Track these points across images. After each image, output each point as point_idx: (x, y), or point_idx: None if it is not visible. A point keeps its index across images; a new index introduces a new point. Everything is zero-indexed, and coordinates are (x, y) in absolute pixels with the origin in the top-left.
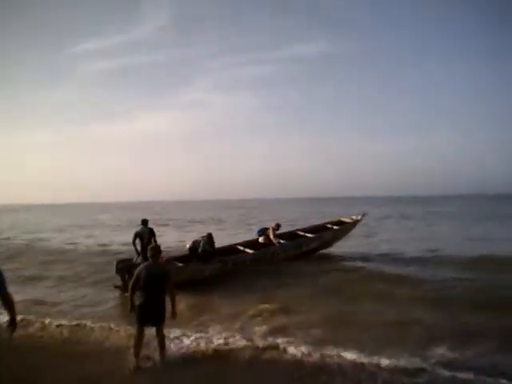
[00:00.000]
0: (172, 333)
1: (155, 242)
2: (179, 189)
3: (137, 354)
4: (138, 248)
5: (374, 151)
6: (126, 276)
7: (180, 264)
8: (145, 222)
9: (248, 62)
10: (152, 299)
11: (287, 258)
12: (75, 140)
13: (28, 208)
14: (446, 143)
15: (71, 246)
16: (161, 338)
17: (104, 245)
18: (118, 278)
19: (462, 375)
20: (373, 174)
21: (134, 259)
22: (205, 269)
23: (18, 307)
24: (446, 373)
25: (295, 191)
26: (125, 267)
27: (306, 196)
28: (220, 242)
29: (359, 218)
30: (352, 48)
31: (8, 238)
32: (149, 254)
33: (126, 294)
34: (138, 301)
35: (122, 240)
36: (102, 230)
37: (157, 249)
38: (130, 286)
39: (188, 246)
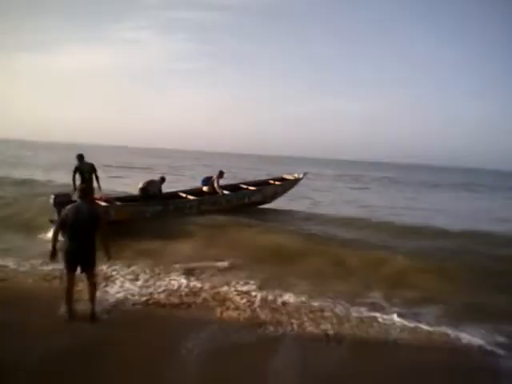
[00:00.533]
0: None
1: (97, 177)
2: (99, 131)
3: (69, 302)
4: (78, 184)
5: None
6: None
7: (120, 203)
8: (81, 157)
9: (186, 5)
10: (80, 242)
11: (229, 208)
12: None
13: None
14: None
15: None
16: (91, 283)
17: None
18: (55, 212)
19: None
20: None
21: (72, 195)
22: (146, 210)
23: None
24: None
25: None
26: (63, 202)
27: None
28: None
29: (301, 176)
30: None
31: None
32: (78, 195)
33: None
34: (65, 245)
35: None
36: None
37: (87, 189)
38: (54, 229)
39: (140, 185)
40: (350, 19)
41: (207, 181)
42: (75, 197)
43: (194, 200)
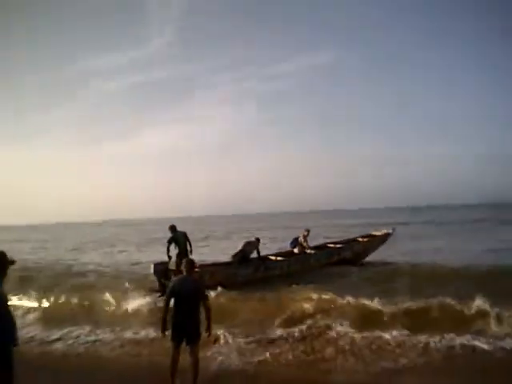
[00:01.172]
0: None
1: (190, 245)
2: (182, 204)
3: (172, 375)
4: (171, 253)
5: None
6: (163, 279)
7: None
8: (174, 228)
9: (251, 77)
10: (186, 315)
11: (318, 266)
12: (88, 158)
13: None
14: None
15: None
16: (194, 359)
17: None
18: (155, 280)
19: None
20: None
21: (169, 263)
22: (238, 274)
23: None
24: None
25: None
26: (162, 270)
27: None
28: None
29: (390, 231)
30: (353, 57)
31: None
32: (184, 268)
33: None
34: (172, 318)
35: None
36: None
37: (191, 262)
38: (164, 302)
39: (239, 247)
40: None
41: (295, 242)
42: (172, 265)
43: (283, 261)
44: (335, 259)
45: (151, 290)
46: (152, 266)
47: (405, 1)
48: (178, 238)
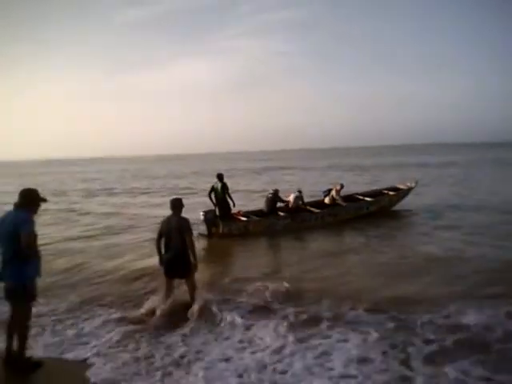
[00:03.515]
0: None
1: (229, 196)
2: (209, 140)
3: (165, 298)
4: (214, 201)
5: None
6: (212, 226)
7: (256, 218)
8: (220, 177)
9: (277, 5)
10: (174, 252)
11: (348, 218)
12: (110, 88)
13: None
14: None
15: None
16: (190, 288)
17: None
18: (204, 227)
19: None
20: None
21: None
22: (277, 223)
23: None
24: None
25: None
26: (211, 217)
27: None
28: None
29: (413, 185)
30: None
31: None
32: (170, 207)
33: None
34: (164, 255)
35: None
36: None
37: (176, 201)
38: (155, 241)
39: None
40: None
41: (328, 192)
42: (217, 212)
43: (318, 213)
44: (364, 212)
45: (200, 235)
46: (202, 213)
47: None
48: (217, 189)
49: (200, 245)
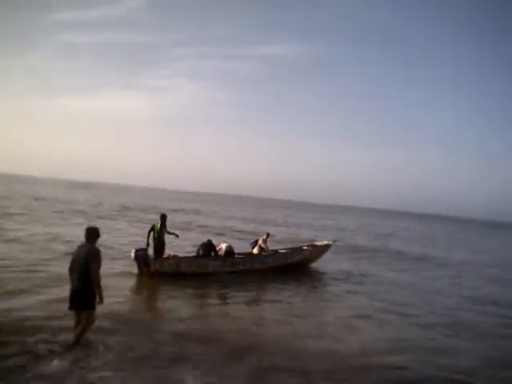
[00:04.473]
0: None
1: (169, 232)
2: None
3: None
4: (150, 241)
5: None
6: (143, 265)
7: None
8: (162, 217)
9: (216, 55)
10: (76, 282)
11: (275, 266)
12: (35, 110)
13: None
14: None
15: None
16: (82, 325)
17: None
18: (135, 265)
19: None
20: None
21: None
22: (208, 264)
23: None
24: None
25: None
26: (142, 255)
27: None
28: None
29: (330, 243)
30: (325, 52)
31: None
32: (84, 235)
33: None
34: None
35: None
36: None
37: (91, 230)
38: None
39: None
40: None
41: (255, 243)
42: (150, 251)
43: (246, 257)
44: (289, 261)
45: (132, 274)
46: (133, 250)
47: None
48: (155, 228)
49: (128, 283)
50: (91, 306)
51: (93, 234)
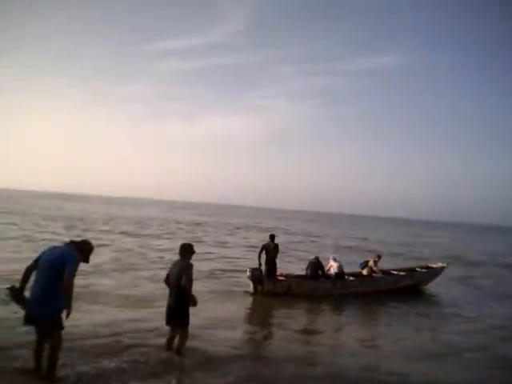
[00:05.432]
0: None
1: (276, 257)
2: (235, 194)
3: (168, 348)
4: (262, 261)
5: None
6: (257, 284)
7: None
8: (272, 237)
9: (316, 72)
10: (172, 297)
11: (385, 290)
12: (148, 136)
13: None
14: None
15: None
16: (179, 339)
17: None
18: (250, 284)
19: None
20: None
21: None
22: (319, 287)
23: None
24: None
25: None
26: (257, 275)
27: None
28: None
29: (445, 265)
30: (425, 61)
31: None
32: (179, 252)
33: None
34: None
35: None
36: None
37: (185, 246)
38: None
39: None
40: None
41: (365, 264)
42: (263, 271)
43: (356, 280)
44: (399, 285)
45: (246, 292)
46: (248, 269)
47: None
48: (268, 248)
49: (245, 301)
50: (185, 323)
51: (187, 250)
